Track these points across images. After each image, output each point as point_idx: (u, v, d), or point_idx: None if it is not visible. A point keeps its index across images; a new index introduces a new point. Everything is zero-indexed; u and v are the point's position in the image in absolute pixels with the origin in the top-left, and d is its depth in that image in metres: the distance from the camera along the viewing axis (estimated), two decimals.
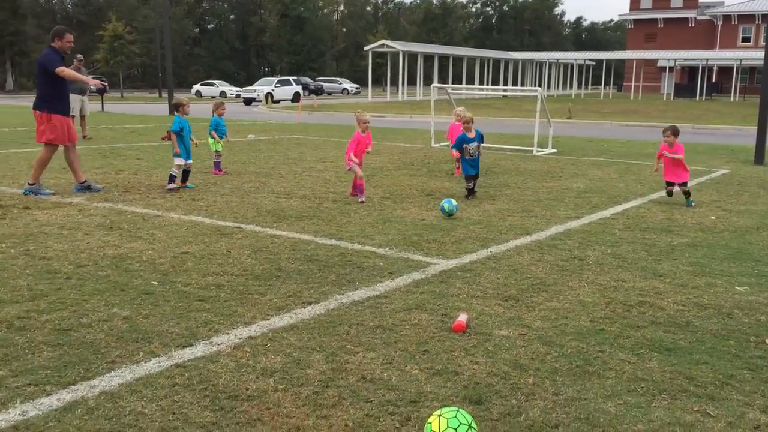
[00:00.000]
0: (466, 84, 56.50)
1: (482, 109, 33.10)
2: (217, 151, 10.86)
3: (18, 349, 3.65)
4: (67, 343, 3.74)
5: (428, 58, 57.37)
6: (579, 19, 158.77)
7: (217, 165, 10.83)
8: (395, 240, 6.44)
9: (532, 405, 3.15)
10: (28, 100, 47.73)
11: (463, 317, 4.18)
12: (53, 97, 8.58)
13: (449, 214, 7.48)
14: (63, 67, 8.53)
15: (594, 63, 71.41)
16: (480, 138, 9.03)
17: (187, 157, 9.22)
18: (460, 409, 2.73)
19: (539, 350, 3.80)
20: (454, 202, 7.60)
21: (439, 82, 46.63)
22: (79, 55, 17.31)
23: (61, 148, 8.82)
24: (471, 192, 8.93)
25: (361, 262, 5.62)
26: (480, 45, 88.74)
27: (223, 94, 58.94)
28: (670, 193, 8.91)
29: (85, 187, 8.92)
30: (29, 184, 8.70)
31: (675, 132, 8.75)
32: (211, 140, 10.88)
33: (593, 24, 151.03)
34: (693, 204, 8.54)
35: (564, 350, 3.81)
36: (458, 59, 62.86)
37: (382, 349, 3.78)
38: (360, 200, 8.39)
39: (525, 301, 4.68)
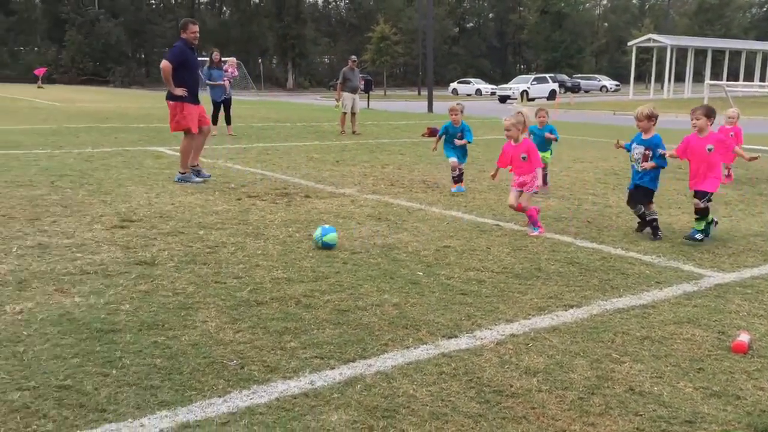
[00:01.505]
0: (744, 81, 51.18)
1: (762, 108, 29.76)
2: None
3: (305, 324, 4.07)
4: (345, 323, 4.09)
5: (699, 52, 52.98)
6: None
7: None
8: (662, 248, 6.08)
9: None
10: (305, 98, 52.68)
11: (744, 337, 3.84)
12: (183, 87, 9.09)
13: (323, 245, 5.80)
14: (168, 62, 9.02)
15: None
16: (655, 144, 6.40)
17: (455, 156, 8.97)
18: None
19: None
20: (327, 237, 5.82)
21: (711, 79, 42.81)
22: (353, 57, 18.70)
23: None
24: (643, 221, 6.58)
25: (624, 269, 5.40)
26: (763, 37, 79.78)
27: (478, 92, 59.81)
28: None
29: (185, 178, 9.29)
30: (180, 173, 9.36)
31: (708, 113, 6.24)
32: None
33: None
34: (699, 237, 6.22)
35: None
36: (735, 53, 57.16)
37: (650, 362, 3.61)
38: (532, 233, 6.52)
39: None
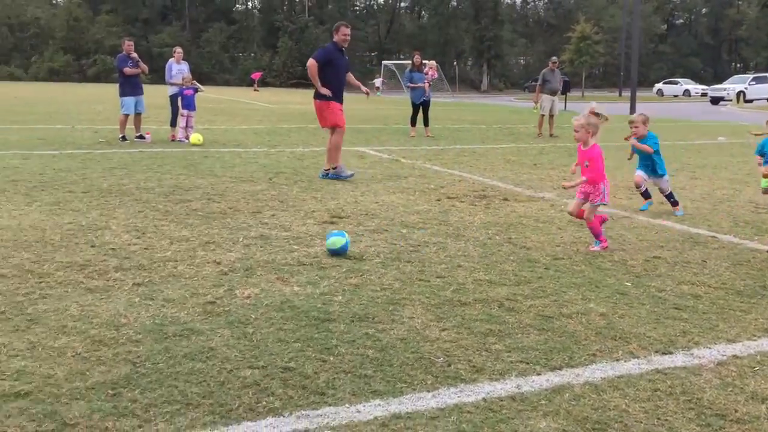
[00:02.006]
0: None
1: None
2: None
3: (509, 327, 4.07)
4: (550, 329, 4.04)
5: None
6: None
7: None
8: None
9: None
10: (499, 100, 52.42)
11: None
12: (329, 87, 9.48)
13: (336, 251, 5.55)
14: (314, 61, 9.47)
15: None
16: None
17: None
18: None
19: None
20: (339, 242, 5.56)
21: None
22: (554, 58, 18.31)
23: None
24: None
25: None
26: None
27: (686, 93, 55.96)
28: None
29: (337, 174, 9.58)
30: (332, 168, 9.62)
31: None
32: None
33: None
34: None
35: None
36: None
37: None
38: (593, 248, 5.92)
39: None
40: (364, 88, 10.69)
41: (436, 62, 26.05)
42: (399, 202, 8.02)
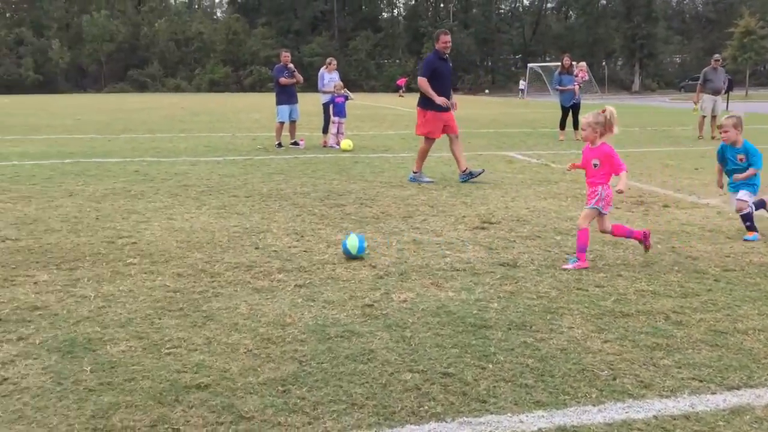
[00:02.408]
0: None
1: None
2: None
3: (677, 341, 3.86)
4: (724, 346, 3.78)
5: None
6: None
7: None
8: None
9: None
10: (652, 100, 49.90)
11: None
12: (429, 96, 9.62)
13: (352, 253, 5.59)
14: (421, 78, 9.70)
15: None
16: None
17: None
18: None
19: None
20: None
21: None
22: (717, 55, 17.20)
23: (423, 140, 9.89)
24: None
25: None
26: None
27: None
28: None
29: (467, 175, 9.77)
30: (413, 172, 9.88)
31: None
32: None
33: None
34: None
35: None
36: None
37: None
38: (566, 266, 5.39)
39: None
40: (453, 101, 10.24)
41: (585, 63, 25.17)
42: (551, 207, 7.83)
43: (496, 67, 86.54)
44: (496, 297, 4.64)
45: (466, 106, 38.22)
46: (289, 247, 5.99)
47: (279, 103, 14.75)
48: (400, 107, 36.21)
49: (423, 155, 10.01)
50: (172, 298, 4.58)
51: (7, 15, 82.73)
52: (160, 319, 4.20)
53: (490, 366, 3.52)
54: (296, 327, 4.08)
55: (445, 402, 3.13)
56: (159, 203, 8.04)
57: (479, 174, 9.91)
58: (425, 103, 9.82)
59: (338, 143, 14.56)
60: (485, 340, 3.86)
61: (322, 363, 3.56)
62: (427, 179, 9.86)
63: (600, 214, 5.52)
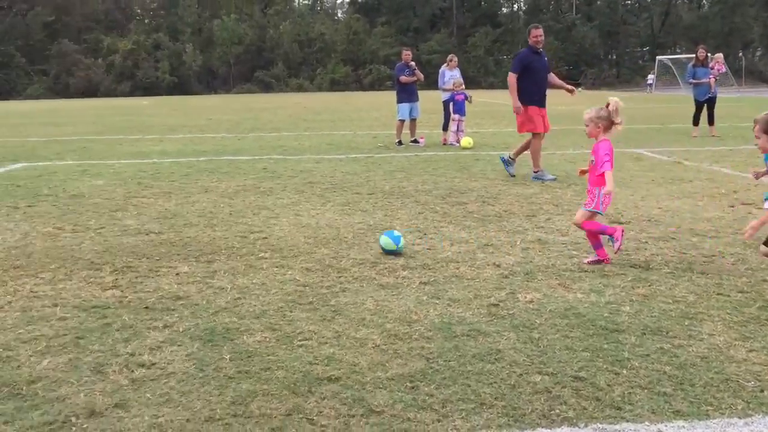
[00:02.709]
0: None
1: None
2: None
3: None
4: None
5: None
6: None
7: None
8: None
9: None
10: None
11: None
12: (527, 91, 9.60)
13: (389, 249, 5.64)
14: (511, 74, 9.69)
15: None
16: None
17: None
18: None
19: None
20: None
21: None
22: None
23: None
24: None
25: None
26: None
27: None
28: None
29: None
30: (534, 172, 9.70)
31: None
32: None
33: None
34: None
35: None
36: None
37: None
38: (587, 260, 5.34)
39: None
40: (567, 87, 10.22)
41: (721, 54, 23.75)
42: (685, 207, 7.45)
43: (621, 61, 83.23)
44: (628, 300, 4.46)
45: (584, 102, 37.03)
46: (413, 244, 6.03)
47: (399, 101, 14.88)
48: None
49: (537, 153, 9.81)
50: (302, 292, 4.73)
51: (146, 21, 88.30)
52: (291, 311, 4.35)
53: (624, 372, 3.39)
54: (422, 324, 4.10)
55: (577, 407, 3.05)
56: (286, 199, 8.32)
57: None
58: (525, 99, 9.70)
59: (458, 141, 14.50)
60: (618, 345, 3.73)
61: (449, 361, 3.56)
62: (550, 177, 9.64)
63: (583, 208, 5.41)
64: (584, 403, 3.08)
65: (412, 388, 3.26)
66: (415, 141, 14.98)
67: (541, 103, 9.76)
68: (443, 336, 3.91)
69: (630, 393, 3.16)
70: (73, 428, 2.94)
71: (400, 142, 14.70)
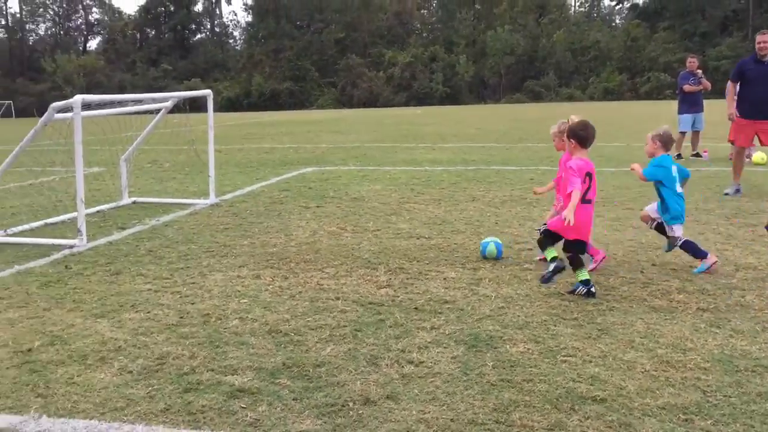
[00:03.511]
0: None
1: None
2: None
3: None
4: None
5: None
6: None
7: None
8: None
9: None
10: None
11: None
12: (740, 100, 9.28)
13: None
14: (729, 81, 9.43)
15: None
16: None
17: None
18: None
19: None
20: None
21: None
22: None
23: None
24: None
25: None
26: None
27: None
28: None
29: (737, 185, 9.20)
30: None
31: None
32: None
33: None
34: None
35: None
36: None
37: None
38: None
39: None
40: None
41: None
42: None
43: None
44: None
45: None
46: (690, 266, 5.61)
47: (681, 111, 13.93)
48: None
49: (735, 163, 9.51)
50: (567, 307, 4.66)
51: (424, 35, 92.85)
52: (555, 325, 4.31)
53: None
54: (699, 353, 3.81)
55: None
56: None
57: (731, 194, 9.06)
58: (738, 108, 9.46)
59: (749, 156, 13.13)
60: None
61: (729, 396, 3.27)
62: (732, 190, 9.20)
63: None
64: None
65: (686, 420, 3.06)
66: (698, 155, 13.88)
67: (753, 114, 9.22)
68: (723, 369, 3.60)
69: None
70: (351, 412, 3.23)
71: (679, 155, 13.71)
